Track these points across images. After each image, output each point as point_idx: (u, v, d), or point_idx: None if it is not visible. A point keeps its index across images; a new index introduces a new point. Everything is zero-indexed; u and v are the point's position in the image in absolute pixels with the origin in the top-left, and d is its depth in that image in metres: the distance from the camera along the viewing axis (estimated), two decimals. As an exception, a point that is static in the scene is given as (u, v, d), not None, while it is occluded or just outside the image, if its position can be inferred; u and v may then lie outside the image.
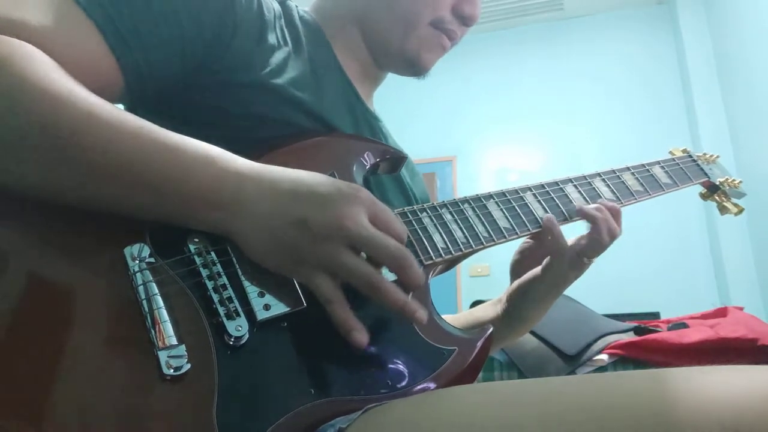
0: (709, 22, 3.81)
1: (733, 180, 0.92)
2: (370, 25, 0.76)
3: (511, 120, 4.20)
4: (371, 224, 0.50)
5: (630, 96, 3.99)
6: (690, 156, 0.91)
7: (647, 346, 1.48)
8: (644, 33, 4.12)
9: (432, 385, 0.53)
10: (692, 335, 1.45)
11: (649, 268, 3.55)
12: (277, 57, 0.65)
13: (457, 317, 0.86)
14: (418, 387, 0.53)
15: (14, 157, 0.45)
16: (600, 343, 1.53)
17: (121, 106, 0.57)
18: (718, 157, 0.95)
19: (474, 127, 4.28)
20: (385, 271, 0.51)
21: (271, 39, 0.66)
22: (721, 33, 3.65)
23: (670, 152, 0.91)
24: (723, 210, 0.91)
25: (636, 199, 0.79)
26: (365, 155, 0.67)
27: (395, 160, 0.71)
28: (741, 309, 1.74)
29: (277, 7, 0.71)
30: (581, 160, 3.84)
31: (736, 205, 0.90)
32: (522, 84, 4.24)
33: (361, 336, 0.49)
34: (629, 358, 1.50)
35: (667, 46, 4.02)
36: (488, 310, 0.83)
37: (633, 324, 1.66)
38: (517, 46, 4.34)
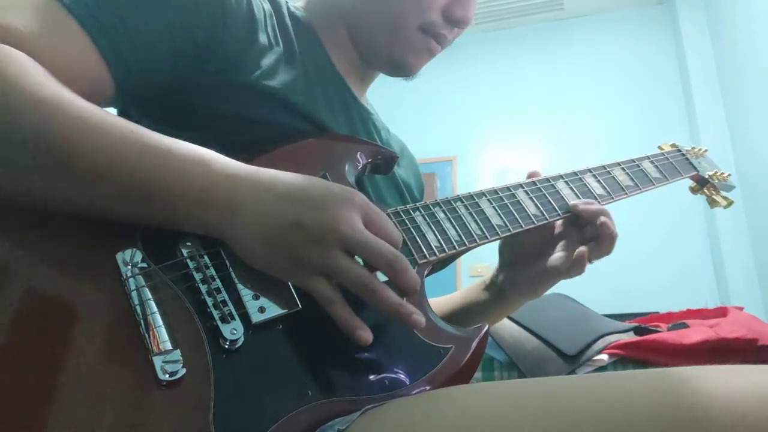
0: (709, 22, 3.80)
1: (722, 173, 0.92)
2: (356, 26, 0.75)
3: (512, 120, 4.19)
4: (365, 228, 0.49)
5: (630, 96, 3.99)
6: (679, 150, 0.91)
7: (647, 346, 1.47)
8: (644, 33, 4.11)
9: (429, 384, 0.53)
10: (692, 335, 1.44)
11: (648, 268, 3.54)
12: (269, 58, 0.65)
13: (449, 300, 0.85)
14: (416, 386, 0.52)
15: (2, 164, 0.45)
16: (600, 343, 1.52)
17: (112, 110, 0.57)
18: (706, 150, 0.96)
19: (474, 127, 4.26)
20: (382, 277, 0.50)
21: (263, 39, 0.66)
22: (721, 33, 3.65)
23: (659, 147, 0.92)
24: (713, 203, 0.91)
25: (627, 193, 0.79)
26: (357, 156, 0.67)
27: (387, 159, 0.71)
28: (741, 309, 1.74)
29: (267, 6, 0.70)
30: (581, 160, 3.77)
31: (725, 197, 0.91)
32: (522, 84, 4.22)
33: (364, 334, 0.49)
34: (629, 358, 1.49)
35: (667, 46, 4.01)
36: (479, 294, 0.82)
37: (633, 324, 1.65)
38: (517, 46, 4.32)
